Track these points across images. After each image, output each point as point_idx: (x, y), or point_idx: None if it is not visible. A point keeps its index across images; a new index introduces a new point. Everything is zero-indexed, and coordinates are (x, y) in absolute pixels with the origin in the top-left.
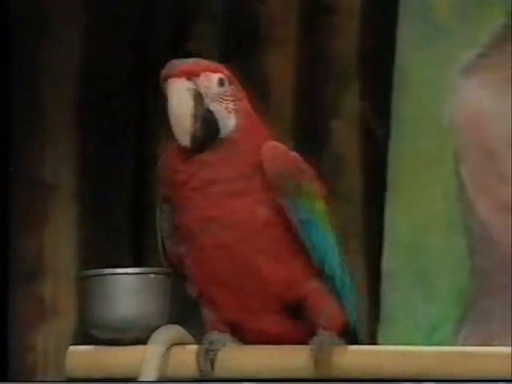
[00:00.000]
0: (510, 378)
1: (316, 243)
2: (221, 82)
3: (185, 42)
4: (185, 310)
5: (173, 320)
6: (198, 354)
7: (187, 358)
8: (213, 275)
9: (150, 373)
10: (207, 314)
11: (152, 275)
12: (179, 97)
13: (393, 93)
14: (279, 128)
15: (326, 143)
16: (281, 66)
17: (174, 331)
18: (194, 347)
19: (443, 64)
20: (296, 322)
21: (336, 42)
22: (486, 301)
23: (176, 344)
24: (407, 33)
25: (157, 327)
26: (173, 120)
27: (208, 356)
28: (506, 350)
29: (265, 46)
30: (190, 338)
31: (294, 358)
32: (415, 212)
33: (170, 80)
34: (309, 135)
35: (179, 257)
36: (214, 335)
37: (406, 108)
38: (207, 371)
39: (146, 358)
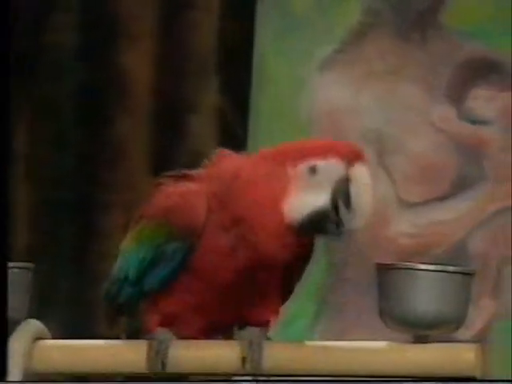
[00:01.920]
0: (368, 372)
1: None
2: None
3: (42, 34)
4: (41, 304)
5: (31, 315)
6: (148, 353)
7: (50, 352)
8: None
9: (15, 369)
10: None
11: (15, 269)
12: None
13: (251, 88)
14: (138, 122)
15: (185, 138)
16: (139, 60)
17: (35, 326)
18: (56, 342)
19: (301, 59)
20: None
21: (194, 37)
22: (340, 296)
23: (36, 339)
24: (265, 28)
25: (17, 322)
26: (354, 202)
27: (159, 355)
28: (359, 344)
29: (122, 41)
30: (47, 332)
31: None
32: None
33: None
34: (167, 130)
35: None
36: (162, 334)
37: (264, 103)
38: (158, 370)
39: (11, 355)
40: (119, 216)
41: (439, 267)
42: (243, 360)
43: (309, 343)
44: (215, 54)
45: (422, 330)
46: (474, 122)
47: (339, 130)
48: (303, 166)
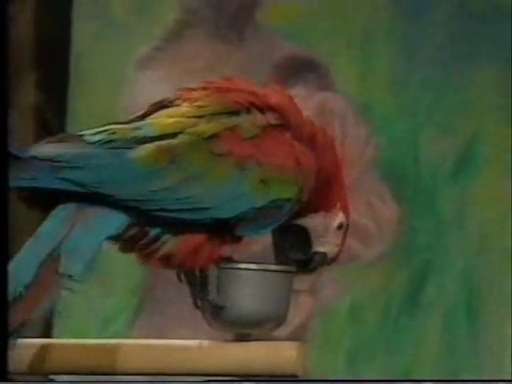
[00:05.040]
0: (189, 371)
1: None
2: None
3: None
4: None
5: None
6: None
7: None
8: None
9: None
10: None
11: None
12: None
13: (69, 85)
14: None
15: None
16: None
17: None
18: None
19: (119, 57)
20: None
21: (11, 31)
22: (161, 293)
23: None
24: (83, 26)
25: None
26: None
27: None
28: (180, 342)
29: None
30: None
31: None
32: None
33: None
34: None
35: None
36: None
37: (82, 100)
38: None
39: None
40: None
41: (260, 266)
42: None
43: (128, 341)
44: (32, 50)
45: (244, 329)
46: None
47: None
48: (342, 219)
